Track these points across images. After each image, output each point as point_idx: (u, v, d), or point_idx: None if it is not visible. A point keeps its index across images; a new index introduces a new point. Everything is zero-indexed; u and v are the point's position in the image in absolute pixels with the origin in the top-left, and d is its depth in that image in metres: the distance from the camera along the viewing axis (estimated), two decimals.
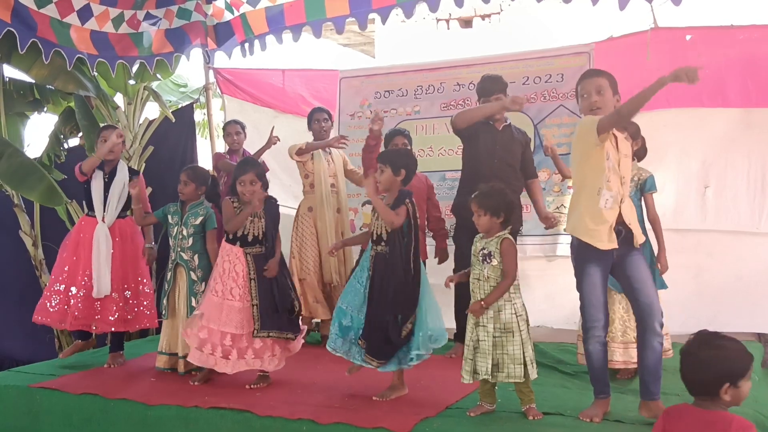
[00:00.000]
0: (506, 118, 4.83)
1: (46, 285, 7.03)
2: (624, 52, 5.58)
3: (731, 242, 5.30)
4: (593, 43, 5.63)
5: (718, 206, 5.37)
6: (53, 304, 4.82)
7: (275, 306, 4.12)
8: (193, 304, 4.34)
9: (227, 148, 5.97)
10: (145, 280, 4.93)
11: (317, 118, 5.56)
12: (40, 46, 5.45)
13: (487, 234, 3.50)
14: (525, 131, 5.01)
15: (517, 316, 3.40)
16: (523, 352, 3.36)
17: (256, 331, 4.07)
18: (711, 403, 2.30)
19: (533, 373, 3.40)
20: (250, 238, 4.18)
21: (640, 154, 4.45)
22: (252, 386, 4.16)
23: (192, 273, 4.47)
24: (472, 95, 5.92)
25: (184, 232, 4.51)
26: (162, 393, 4.10)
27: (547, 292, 5.53)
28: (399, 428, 3.30)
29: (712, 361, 2.27)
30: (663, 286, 4.34)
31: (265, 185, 4.25)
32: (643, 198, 4.36)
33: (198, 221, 4.50)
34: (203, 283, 4.33)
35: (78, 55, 5.74)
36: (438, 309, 3.81)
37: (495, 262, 3.41)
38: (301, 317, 5.26)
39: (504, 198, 3.50)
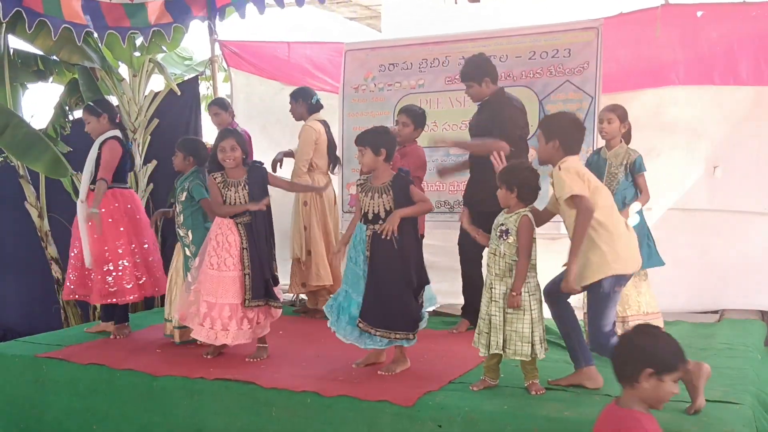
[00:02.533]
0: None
1: (51, 256, 7.10)
2: (633, 28, 5.51)
3: (738, 222, 5.28)
4: (602, 18, 5.56)
5: (727, 186, 5.33)
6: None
7: (263, 275, 4.15)
8: (190, 279, 4.32)
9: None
10: (123, 253, 4.81)
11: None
12: (24, 16, 5.37)
13: (508, 210, 3.49)
14: (509, 100, 4.74)
15: (529, 295, 3.39)
16: (532, 331, 3.36)
17: (247, 301, 4.12)
18: (630, 396, 2.30)
19: (541, 353, 3.39)
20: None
21: (627, 137, 4.47)
22: (252, 359, 4.19)
23: (186, 249, 4.49)
24: None
25: (177, 209, 4.52)
26: (167, 364, 4.14)
27: (548, 271, 5.52)
28: (402, 401, 3.33)
29: (644, 346, 2.28)
30: (660, 263, 4.34)
31: (246, 153, 4.22)
32: (634, 180, 4.34)
33: (184, 196, 4.47)
34: (197, 259, 4.32)
35: (64, 25, 5.63)
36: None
37: (511, 239, 3.41)
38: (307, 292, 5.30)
39: (518, 173, 3.47)
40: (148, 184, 6.97)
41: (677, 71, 5.39)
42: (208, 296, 4.12)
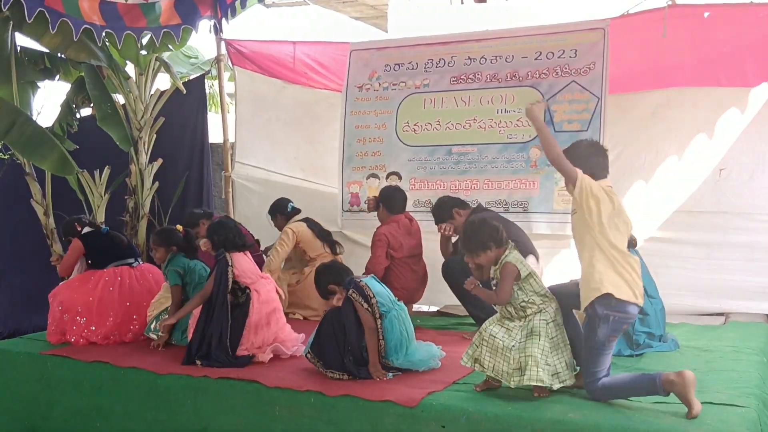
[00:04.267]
0: None
1: (56, 254, 7.11)
2: (640, 28, 5.50)
3: (744, 224, 5.26)
4: (609, 19, 5.55)
5: (733, 188, 5.32)
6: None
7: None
8: (153, 326, 4.63)
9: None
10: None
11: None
12: (47, 16, 5.41)
13: (496, 264, 3.46)
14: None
15: (547, 323, 3.35)
16: (546, 359, 3.30)
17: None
18: None
19: (554, 384, 3.30)
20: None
21: None
22: None
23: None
24: (483, 69, 5.88)
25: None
26: (172, 362, 4.14)
27: (552, 269, 5.52)
28: (406, 402, 3.33)
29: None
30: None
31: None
32: None
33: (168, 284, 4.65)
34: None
35: (85, 26, 5.68)
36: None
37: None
38: None
39: (477, 234, 3.43)
40: (153, 182, 6.98)
41: (684, 72, 5.38)
42: None
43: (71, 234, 5.11)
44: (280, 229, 5.74)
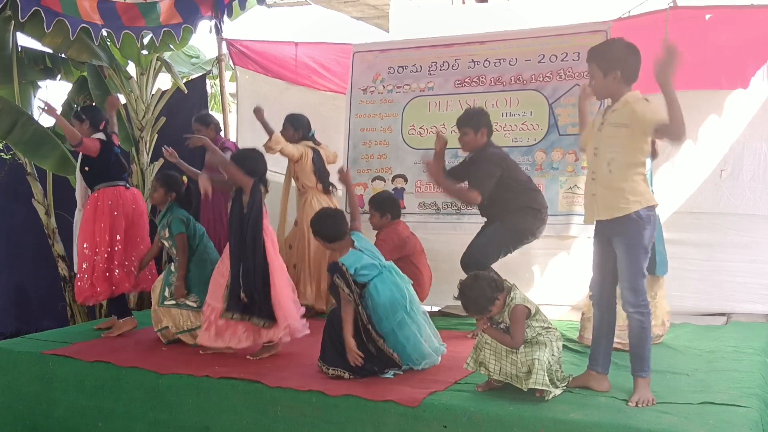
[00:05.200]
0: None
1: (58, 254, 7.14)
2: (642, 30, 5.48)
3: (746, 225, 5.27)
4: (611, 21, 5.56)
5: (734, 190, 5.32)
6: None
7: (238, 291, 4.13)
8: (166, 293, 4.55)
9: None
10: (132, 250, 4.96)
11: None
12: (43, 15, 5.41)
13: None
14: (490, 153, 4.64)
15: (545, 330, 3.38)
16: (550, 362, 3.33)
17: (223, 311, 4.17)
18: None
19: (555, 390, 3.32)
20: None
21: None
22: (252, 357, 4.22)
23: (173, 267, 4.63)
24: (487, 72, 5.89)
25: (165, 245, 4.68)
26: (173, 362, 4.15)
27: (555, 271, 5.53)
28: (408, 402, 3.33)
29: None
30: (663, 272, 4.33)
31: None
32: None
33: (167, 233, 4.59)
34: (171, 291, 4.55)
35: (82, 25, 5.67)
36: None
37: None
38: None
39: (478, 288, 3.37)
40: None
41: (686, 75, 5.35)
42: (210, 299, 4.28)
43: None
44: (292, 141, 5.57)
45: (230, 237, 4.20)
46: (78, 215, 5.17)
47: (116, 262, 4.86)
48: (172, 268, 4.63)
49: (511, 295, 3.41)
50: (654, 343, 3.71)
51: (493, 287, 3.38)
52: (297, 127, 5.60)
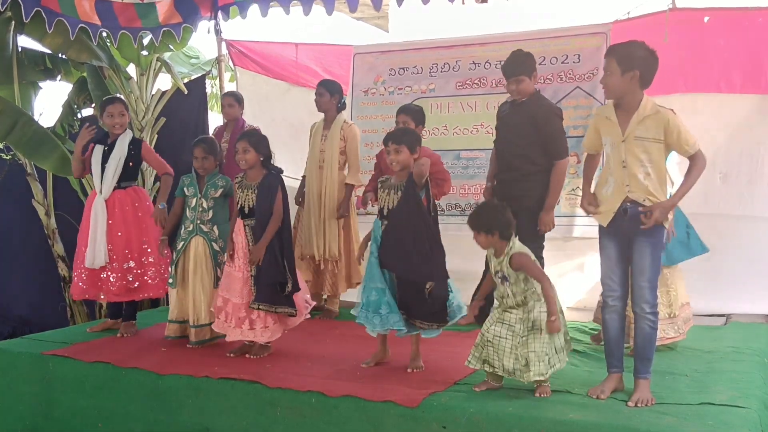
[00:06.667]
0: (521, 92, 4.46)
1: (58, 254, 7.14)
2: (641, 32, 5.46)
3: (745, 226, 5.29)
4: (611, 23, 5.57)
5: (732, 192, 5.34)
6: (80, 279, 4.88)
7: (268, 279, 4.15)
8: (219, 274, 4.42)
9: (224, 120, 5.95)
10: (149, 250, 4.86)
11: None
12: (44, 15, 5.42)
13: (496, 252, 3.49)
14: (550, 106, 4.59)
15: (542, 313, 3.38)
16: (554, 343, 3.36)
17: (251, 302, 4.16)
18: None
19: (559, 364, 3.38)
20: (246, 210, 4.25)
21: None
22: (252, 356, 4.22)
23: (214, 244, 4.49)
24: (488, 74, 5.90)
25: (204, 205, 4.49)
26: (173, 363, 4.15)
27: (560, 272, 5.52)
28: (407, 402, 3.34)
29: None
30: (703, 249, 4.40)
31: (264, 155, 4.25)
32: None
33: (218, 193, 4.51)
34: (225, 254, 4.38)
35: (81, 25, 5.68)
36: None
37: (512, 279, 3.43)
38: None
39: (491, 213, 3.46)
40: (155, 182, 6.99)
41: (685, 78, 5.40)
42: (222, 290, 4.29)
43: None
44: (324, 109, 5.45)
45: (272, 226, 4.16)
46: (101, 206, 4.81)
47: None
48: (216, 248, 4.44)
49: (510, 244, 3.44)
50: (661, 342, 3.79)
51: (502, 225, 3.42)
52: (333, 92, 5.48)
